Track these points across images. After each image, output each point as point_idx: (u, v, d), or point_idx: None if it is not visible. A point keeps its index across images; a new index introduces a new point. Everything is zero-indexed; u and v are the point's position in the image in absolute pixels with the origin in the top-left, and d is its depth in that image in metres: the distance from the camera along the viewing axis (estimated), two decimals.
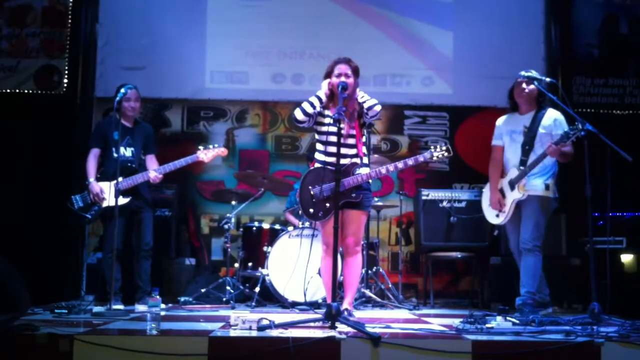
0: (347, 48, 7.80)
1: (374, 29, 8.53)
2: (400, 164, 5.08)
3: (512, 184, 5.64)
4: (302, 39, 8.44)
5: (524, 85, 5.65)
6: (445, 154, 5.05)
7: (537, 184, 5.61)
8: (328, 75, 5.08)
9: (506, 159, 5.80)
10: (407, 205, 7.80)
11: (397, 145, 8.42)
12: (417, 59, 8.53)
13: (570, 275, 6.80)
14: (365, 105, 5.01)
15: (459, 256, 7.17)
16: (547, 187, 5.61)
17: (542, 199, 5.62)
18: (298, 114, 5.02)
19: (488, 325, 4.23)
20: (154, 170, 6.15)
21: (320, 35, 8.37)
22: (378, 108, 5.02)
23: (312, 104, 5.01)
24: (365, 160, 5.18)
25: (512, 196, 5.63)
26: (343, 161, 4.80)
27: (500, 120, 5.93)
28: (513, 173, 5.67)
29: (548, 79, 5.58)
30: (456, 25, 8.56)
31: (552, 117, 5.67)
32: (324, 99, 5.02)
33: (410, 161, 5.07)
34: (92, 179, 6.10)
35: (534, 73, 5.58)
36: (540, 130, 5.63)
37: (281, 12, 8.47)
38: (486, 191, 5.95)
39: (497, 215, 5.77)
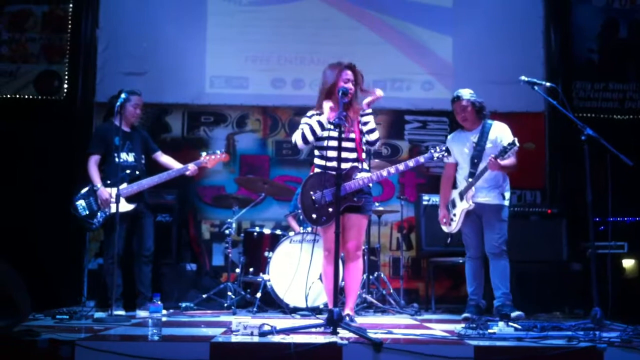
0: (347, 53, 7.79)
1: (373, 34, 8.54)
2: (401, 166, 5.11)
3: (461, 195, 5.93)
4: (302, 44, 8.46)
5: (463, 103, 5.95)
6: (445, 154, 5.12)
7: (493, 195, 5.86)
8: (333, 84, 5.06)
9: (458, 173, 6.07)
10: (408, 211, 7.79)
11: (397, 150, 8.42)
12: (417, 64, 8.54)
13: (572, 281, 6.80)
14: (365, 129, 5.08)
15: (461, 261, 7.11)
16: (503, 197, 5.90)
17: (499, 207, 5.88)
18: (298, 141, 5.05)
19: (490, 331, 4.23)
20: (193, 164, 6.27)
21: (320, 40, 8.38)
22: (376, 136, 5.10)
23: (313, 132, 5.01)
24: (365, 165, 5.18)
25: (462, 206, 5.91)
26: (343, 165, 4.79)
27: (450, 138, 6.19)
28: (462, 185, 5.97)
29: (548, 84, 5.57)
30: (456, 31, 8.58)
31: (498, 130, 5.95)
32: (326, 125, 4.99)
33: (411, 162, 5.10)
34: (99, 185, 6.08)
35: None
36: (488, 144, 5.89)
37: (281, 17, 8.48)
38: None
39: (449, 225, 6.09)
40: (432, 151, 5.10)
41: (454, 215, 6.00)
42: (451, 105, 6.08)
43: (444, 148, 5.12)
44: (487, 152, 5.82)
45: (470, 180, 5.84)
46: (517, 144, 5.46)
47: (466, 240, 6.05)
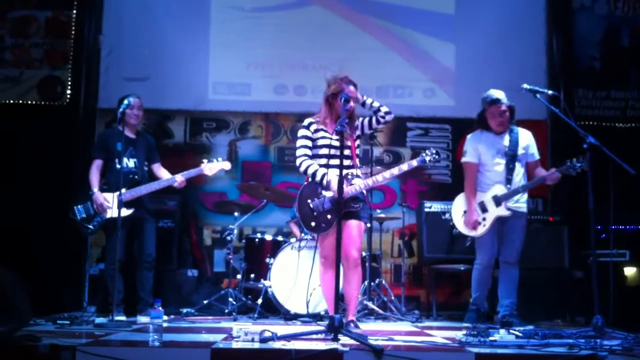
0: (350, 59, 7.88)
1: (376, 41, 8.56)
2: (395, 170, 5.12)
3: (499, 200, 5.73)
4: (304, 51, 8.47)
5: (503, 107, 5.77)
6: (437, 156, 5.15)
7: (522, 202, 5.81)
8: (334, 94, 5.11)
9: (485, 176, 5.85)
10: (409, 217, 7.77)
11: (399, 157, 8.42)
12: (419, 71, 8.56)
13: (573, 288, 6.77)
14: (375, 105, 5.19)
15: (462, 268, 7.13)
16: (527, 205, 5.87)
17: (525, 215, 5.86)
18: (302, 167, 5.15)
19: (491, 338, 4.22)
20: (181, 175, 6.20)
21: (322, 47, 8.40)
22: (387, 108, 5.21)
23: (314, 177, 5.10)
24: (360, 171, 5.21)
25: (497, 212, 5.73)
26: (337, 171, 4.78)
27: (474, 138, 5.97)
28: (499, 190, 5.76)
29: (550, 92, 5.58)
30: (458, 37, 8.59)
31: (527, 137, 5.91)
32: (325, 185, 5.07)
33: (405, 166, 5.14)
34: (95, 190, 6.10)
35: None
36: (520, 150, 5.82)
37: (284, 24, 8.51)
38: (458, 203, 5.99)
39: (475, 228, 5.80)
40: (424, 154, 5.16)
41: (484, 219, 5.77)
42: (484, 106, 5.87)
43: (434, 152, 5.14)
44: (520, 159, 5.80)
45: (508, 186, 5.72)
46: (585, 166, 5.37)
47: (483, 246, 5.84)
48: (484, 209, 5.79)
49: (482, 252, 5.85)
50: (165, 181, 6.23)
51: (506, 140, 5.83)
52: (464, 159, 5.95)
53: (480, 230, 5.76)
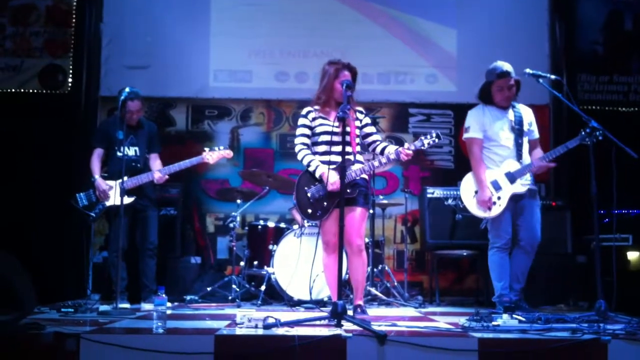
0: (351, 46, 7.86)
1: (377, 27, 8.53)
2: (392, 155, 4.96)
3: (513, 177, 5.48)
4: (305, 37, 8.44)
5: (512, 81, 5.58)
6: (436, 139, 4.93)
7: (531, 178, 5.62)
8: (331, 77, 5.07)
9: (493, 152, 5.58)
10: (412, 203, 7.78)
11: (401, 143, 8.32)
12: (421, 57, 8.53)
13: (576, 273, 6.78)
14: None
15: (465, 254, 7.15)
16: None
17: (537, 192, 5.70)
18: (299, 155, 5.10)
19: (494, 323, 4.23)
20: (158, 171, 6.16)
21: (323, 33, 8.37)
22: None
23: (309, 165, 5.05)
24: (360, 157, 5.18)
25: (513, 189, 5.46)
26: (337, 159, 4.75)
27: (476, 113, 5.70)
28: (512, 165, 5.51)
29: (553, 77, 5.54)
30: (460, 23, 8.56)
31: (529, 114, 5.76)
32: (317, 176, 5.02)
33: (401, 149, 5.04)
34: (97, 176, 6.12)
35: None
36: (526, 126, 5.66)
37: (285, 10, 8.48)
38: (467, 184, 5.65)
39: (490, 208, 5.48)
40: (423, 138, 4.97)
41: (499, 198, 5.44)
42: (491, 77, 5.60)
43: (433, 134, 4.93)
44: (525, 135, 5.61)
45: (521, 161, 5.49)
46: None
47: (500, 227, 5.51)
48: (497, 187, 5.48)
49: (499, 233, 5.52)
50: (145, 175, 6.15)
51: (511, 115, 5.63)
52: (467, 135, 5.67)
53: (496, 210, 5.45)
